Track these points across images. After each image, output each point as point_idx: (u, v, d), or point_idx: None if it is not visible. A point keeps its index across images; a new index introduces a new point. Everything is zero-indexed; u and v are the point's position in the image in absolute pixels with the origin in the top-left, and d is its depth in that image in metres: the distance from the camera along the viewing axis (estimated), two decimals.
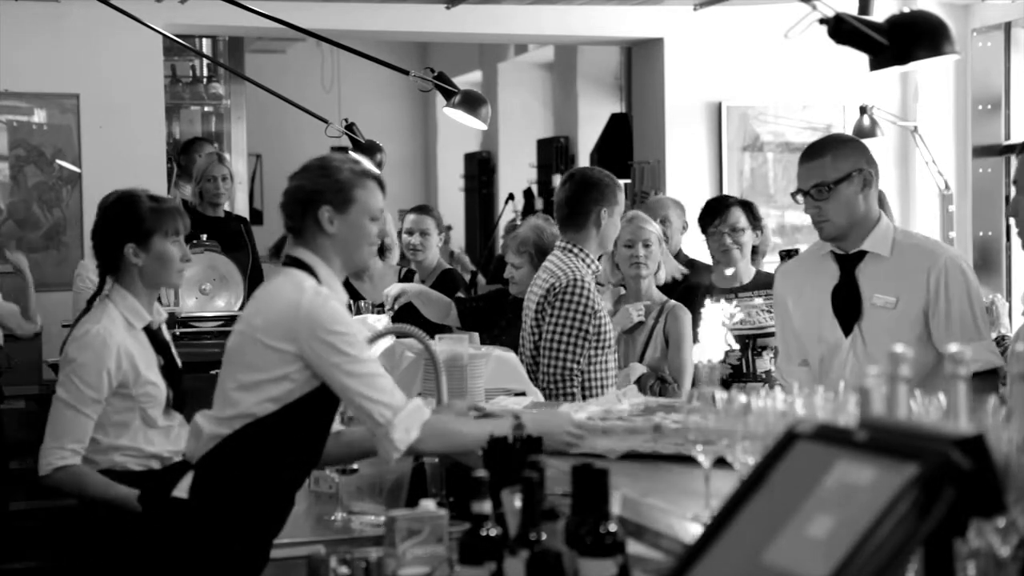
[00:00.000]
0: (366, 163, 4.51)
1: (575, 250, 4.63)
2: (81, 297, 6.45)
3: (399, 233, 6.72)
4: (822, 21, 3.34)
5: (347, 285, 6.70)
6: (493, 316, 5.57)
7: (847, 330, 3.77)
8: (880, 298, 3.72)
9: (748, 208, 5.68)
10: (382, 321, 5.15)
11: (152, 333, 3.85)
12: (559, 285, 4.56)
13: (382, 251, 6.66)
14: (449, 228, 10.18)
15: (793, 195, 3.89)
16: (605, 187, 4.67)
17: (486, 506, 2.23)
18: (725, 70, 8.45)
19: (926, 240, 3.90)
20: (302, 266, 3.17)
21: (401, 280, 6.46)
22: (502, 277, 5.76)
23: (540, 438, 2.82)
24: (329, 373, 3.07)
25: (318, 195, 3.18)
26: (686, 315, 5.17)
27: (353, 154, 6.82)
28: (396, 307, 5.49)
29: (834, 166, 3.73)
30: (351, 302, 6.08)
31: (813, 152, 3.81)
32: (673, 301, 5.22)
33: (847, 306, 3.78)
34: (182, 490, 3.13)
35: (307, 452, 3.21)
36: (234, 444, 3.09)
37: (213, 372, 3.27)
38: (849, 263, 3.80)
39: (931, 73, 8.23)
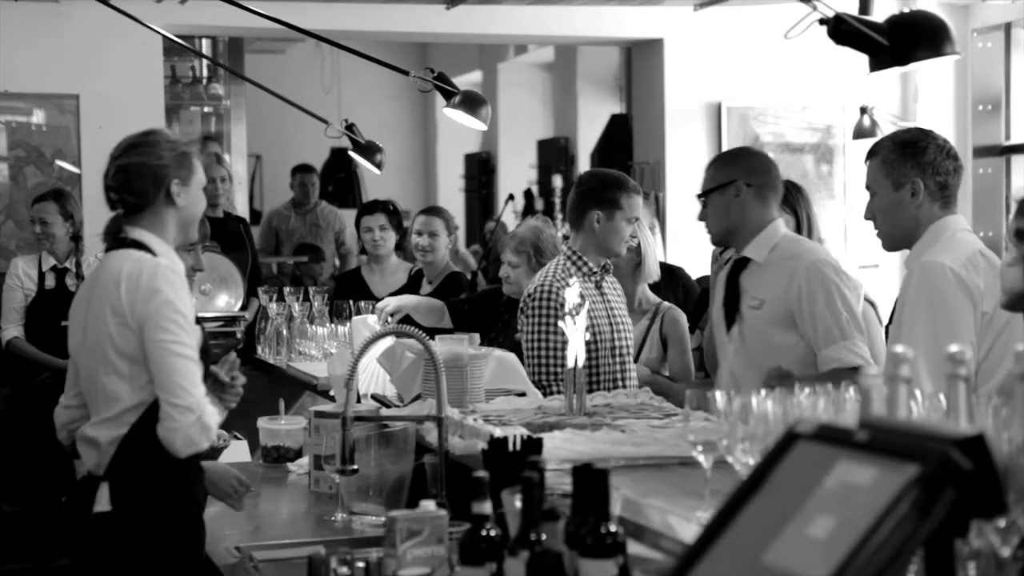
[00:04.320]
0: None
1: (574, 257, 4.60)
2: (11, 295, 6.51)
3: (414, 233, 6.71)
4: (822, 22, 3.34)
5: (356, 278, 6.73)
6: (486, 317, 5.55)
7: (730, 329, 4.01)
8: (752, 300, 3.93)
9: None
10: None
11: None
12: (529, 292, 4.57)
13: (364, 251, 6.67)
14: (456, 228, 10.19)
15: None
16: (604, 189, 4.58)
17: (486, 506, 2.23)
18: (725, 70, 8.45)
19: (802, 246, 4.00)
20: (140, 247, 3.11)
21: (410, 278, 6.46)
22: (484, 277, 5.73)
23: (540, 439, 2.82)
24: (153, 339, 2.99)
25: (166, 169, 3.16)
26: (682, 316, 5.15)
27: (354, 155, 6.84)
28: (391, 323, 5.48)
29: (710, 178, 4.02)
30: (351, 301, 6.09)
31: (707, 165, 4.15)
32: (667, 303, 5.18)
33: (731, 307, 4.01)
34: (103, 503, 3.06)
35: None
36: (136, 439, 3.04)
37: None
38: (736, 267, 4.02)
39: (931, 73, 8.23)
